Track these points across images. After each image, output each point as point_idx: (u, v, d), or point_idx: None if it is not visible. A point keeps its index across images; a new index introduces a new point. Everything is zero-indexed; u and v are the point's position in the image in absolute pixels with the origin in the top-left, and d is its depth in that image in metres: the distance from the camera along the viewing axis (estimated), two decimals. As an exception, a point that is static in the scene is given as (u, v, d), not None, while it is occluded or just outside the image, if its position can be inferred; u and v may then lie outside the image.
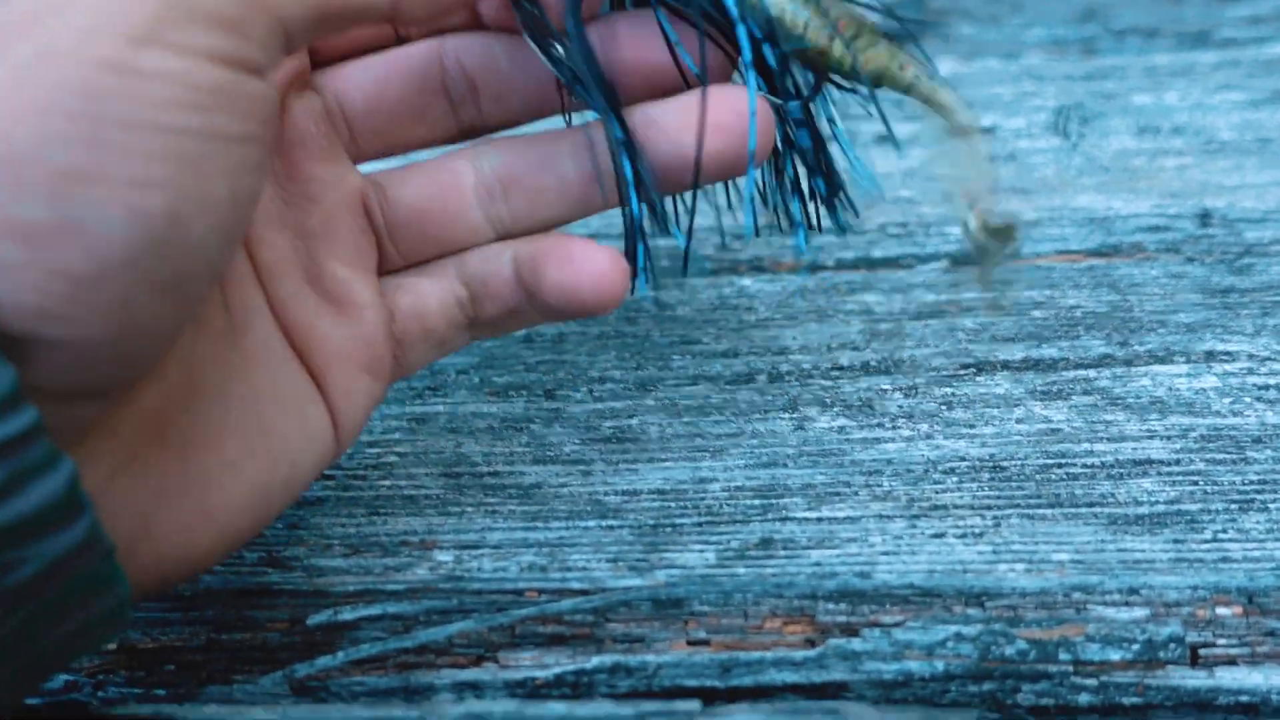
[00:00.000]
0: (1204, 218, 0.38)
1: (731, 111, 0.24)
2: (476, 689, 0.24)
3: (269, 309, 0.25)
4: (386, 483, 0.29)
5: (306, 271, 0.26)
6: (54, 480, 0.17)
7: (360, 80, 0.27)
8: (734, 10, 0.23)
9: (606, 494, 0.28)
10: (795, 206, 0.27)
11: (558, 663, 0.24)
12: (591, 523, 0.27)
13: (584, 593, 0.25)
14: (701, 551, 0.26)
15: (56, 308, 0.17)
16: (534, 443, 0.30)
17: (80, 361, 0.18)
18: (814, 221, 0.27)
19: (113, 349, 0.18)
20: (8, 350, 0.17)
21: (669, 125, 0.24)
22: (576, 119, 0.26)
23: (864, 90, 0.25)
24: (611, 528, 0.27)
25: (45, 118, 0.17)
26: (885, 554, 0.25)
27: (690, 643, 0.24)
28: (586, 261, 0.25)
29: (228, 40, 0.19)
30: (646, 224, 0.25)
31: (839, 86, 0.26)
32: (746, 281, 0.36)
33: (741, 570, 0.25)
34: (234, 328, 0.24)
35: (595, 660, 0.24)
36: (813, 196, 0.27)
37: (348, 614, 0.25)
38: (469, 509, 0.28)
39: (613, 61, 0.24)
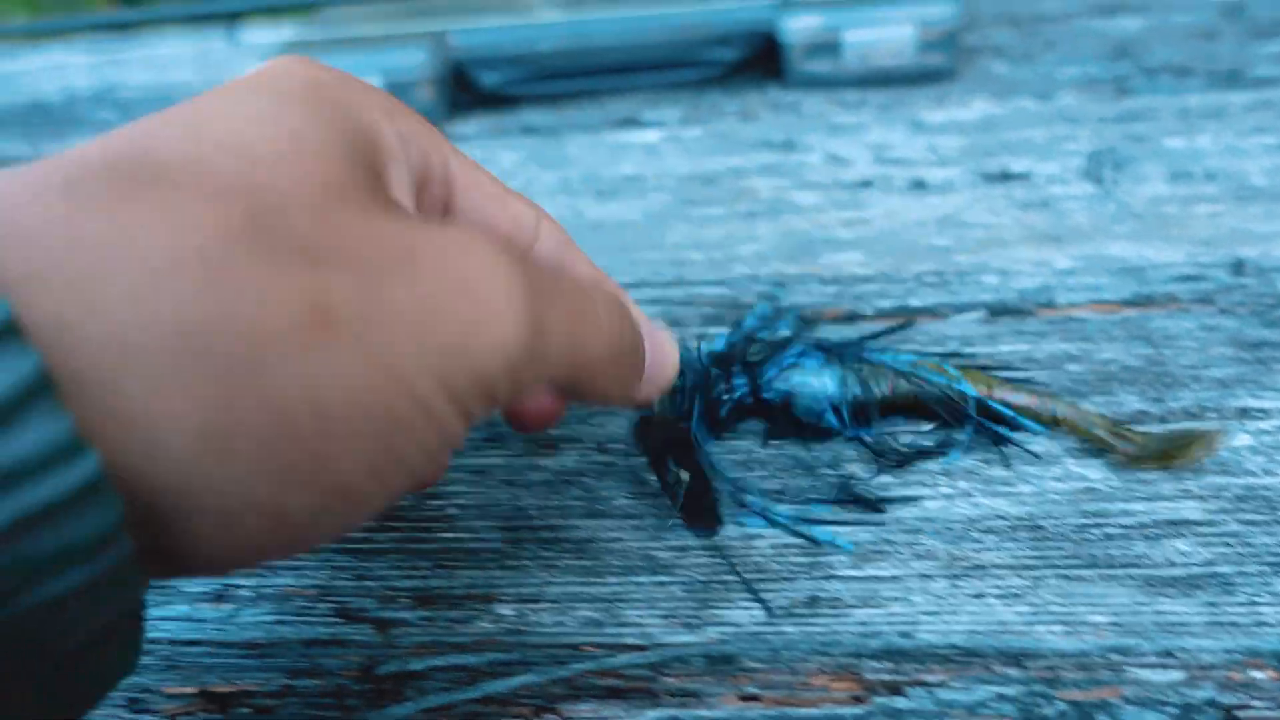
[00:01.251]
0: (1237, 267, 0.38)
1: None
2: (538, 739, 0.25)
3: None
4: (449, 535, 0.30)
5: None
6: (124, 599, 0.17)
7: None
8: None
9: (658, 549, 0.29)
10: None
11: (615, 715, 0.25)
12: (644, 578, 0.28)
13: (639, 648, 0.26)
14: (749, 609, 0.27)
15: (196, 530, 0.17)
16: (586, 496, 0.31)
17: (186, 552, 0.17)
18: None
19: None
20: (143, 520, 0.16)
21: None
22: None
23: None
24: (663, 584, 0.28)
25: (367, 443, 0.17)
26: (927, 614, 0.26)
27: (742, 698, 0.25)
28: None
29: (487, 409, 0.20)
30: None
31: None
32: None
33: (789, 628, 0.26)
34: None
35: (652, 714, 0.25)
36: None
37: (416, 664, 0.27)
38: (527, 562, 0.29)
39: None
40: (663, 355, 0.28)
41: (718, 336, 0.36)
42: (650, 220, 0.47)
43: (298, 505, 0.17)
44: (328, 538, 0.19)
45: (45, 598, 0.15)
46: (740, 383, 0.33)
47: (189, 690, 0.27)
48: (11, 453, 0.14)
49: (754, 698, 0.25)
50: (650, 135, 0.56)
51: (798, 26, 0.58)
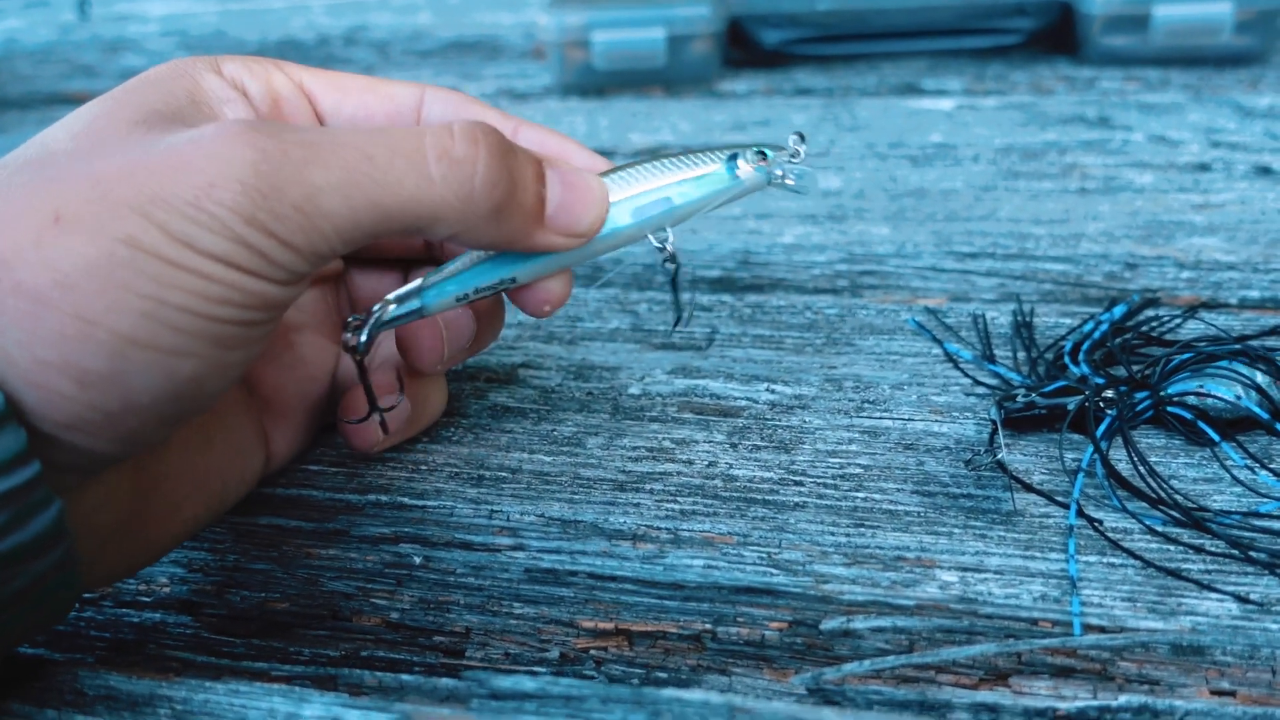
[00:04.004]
0: None
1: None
2: (993, 711, 0.25)
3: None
4: (860, 495, 0.30)
5: (283, 339, 0.32)
6: (47, 516, 0.22)
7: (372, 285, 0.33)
8: None
9: (1092, 529, 0.28)
10: None
11: (1076, 696, 0.24)
12: (1093, 558, 0.27)
13: (1101, 629, 0.25)
14: (1222, 600, 0.26)
15: (83, 428, 0.22)
16: (992, 466, 0.30)
17: (86, 457, 0.22)
18: None
19: (117, 453, 0.23)
20: (35, 439, 0.21)
21: None
22: None
23: None
24: (1114, 565, 0.27)
25: (123, 295, 0.21)
26: None
27: (1214, 692, 0.24)
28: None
29: (281, 271, 0.23)
30: None
31: None
32: None
33: (1273, 625, 0.25)
34: None
35: (1122, 699, 0.24)
36: None
37: (859, 623, 0.26)
38: (955, 530, 0.28)
39: None
40: (577, 196, 0.27)
41: (1072, 333, 0.35)
42: (975, 190, 0.46)
43: (102, 366, 0.21)
44: (178, 401, 0.23)
45: None
46: (1141, 396, 0.31)
47: (605, 625, 0.27)
48: None
49: (1228, 693, 0.24)
50: (945, 103, 0.54)
51: (1103, -2, 0.55)
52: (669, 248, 0.29)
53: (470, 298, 0.28)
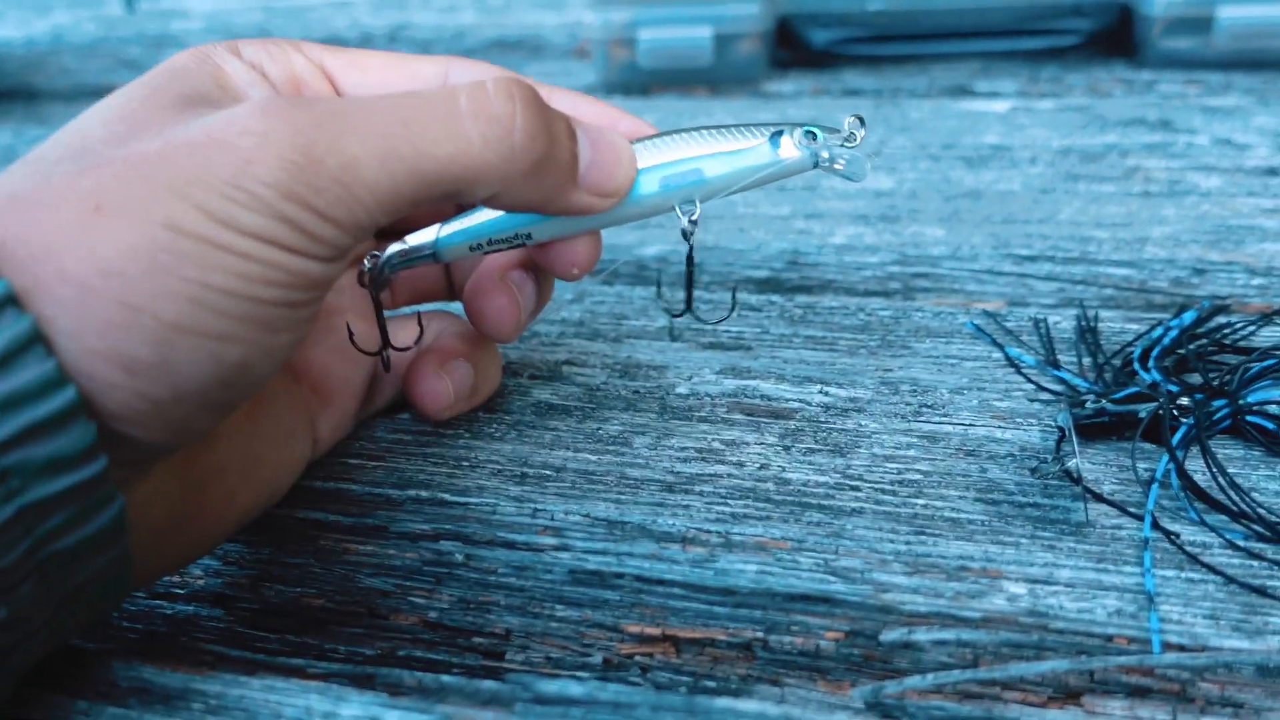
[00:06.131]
0: None
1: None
2: (1065, 732, 0.23)
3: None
4: (920, 501, 0.28)
5: (324, 324, 0.31)
6: (110, 512, 0.21)
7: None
8: None
9: (1169, 543, 0.26)
10: None
11: (1154, 717, 0.23)
12: (1171, 572, 0.26)
13: (1181, 648, 0.24)
14: (1312, 620, 0.24)
15: (133, 418, 0.21)
16: (1070, 475, 0.29)
17: (136, 449, 0.22)
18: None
19: (167, 443, 0.22)
20: (100, 434, 0.21)
21: None
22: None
23: None
24: (1194, 581, 0.25)
25: (167, 280, 0.20)
26: None
27: (1302, 717, 0.23)
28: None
29: (323, 246, 0.22)
30: None
31: None
32: None
33: (1367, 648, 0.23)
34: None
35: (1203, 722, 0.23)
36: None
37: (921, 635, 0.25)
38: (1022, 540, 0.27)
39: None
40: (606, 154, 0.26)
41: (1140, 339, 0.33)
42: (1033, 193, 0.44)
43: (150, 353, 0.20)
44: (226, 387, 0.22)
45: (44, 495, 0.20)
46: (1219, 405, 0.29)
47: (652, 631, 0.26)
48: (15, 384, 0.19)
49: (1318, 720, 0.23)
50: (998, 105, 0.53)
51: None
52: (692, 223, 0.28)
53: (484, 249, 0.28)
